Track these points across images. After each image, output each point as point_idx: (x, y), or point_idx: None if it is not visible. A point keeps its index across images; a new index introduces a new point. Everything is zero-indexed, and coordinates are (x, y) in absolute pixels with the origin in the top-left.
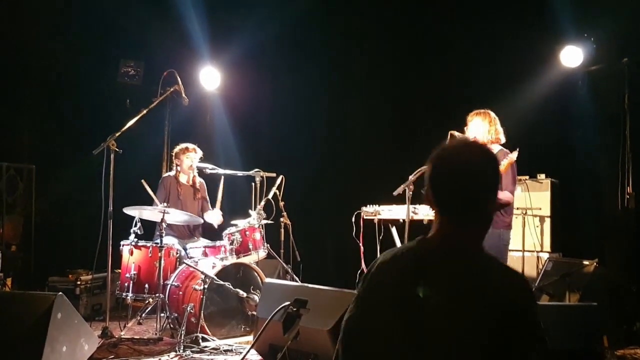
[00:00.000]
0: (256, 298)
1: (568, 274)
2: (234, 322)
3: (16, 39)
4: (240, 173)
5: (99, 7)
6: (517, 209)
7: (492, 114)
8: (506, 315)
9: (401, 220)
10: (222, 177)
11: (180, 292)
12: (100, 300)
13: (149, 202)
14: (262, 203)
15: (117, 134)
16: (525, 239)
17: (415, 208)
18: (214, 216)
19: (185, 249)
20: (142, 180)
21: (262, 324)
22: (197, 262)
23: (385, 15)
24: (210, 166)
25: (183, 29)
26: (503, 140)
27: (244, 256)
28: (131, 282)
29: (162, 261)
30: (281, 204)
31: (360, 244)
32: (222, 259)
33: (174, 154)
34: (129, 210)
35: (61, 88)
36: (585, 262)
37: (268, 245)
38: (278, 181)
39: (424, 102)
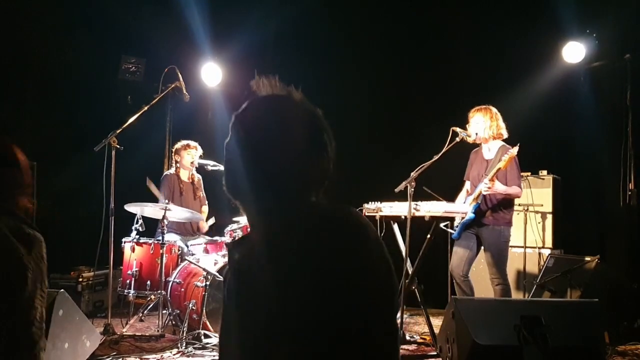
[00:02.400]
0: None
1: (570, 270)
2: None
3: (17, 35)
4: None
5: (99, 4)
6: (519, 205)
7: (494, 109)
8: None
9: (403, 217)
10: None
11: (182, 289)
12: (102, 297)
13: (154, 200)
14: None
15: (119, 131)
16: (527, 235)
17: (417, 205)
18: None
19: (187, 246)
20: (148, 181)
21: None
22: (198, 259)
23: (387, 12)
24: (212, 163)
25: (184, 25)
26: (505, 135)
27: None
28: (133, 279)
29: (164, 258)
30: None
31: None
32: (223, 256)
33: (174, 150)
34: (130, 208)
35: (62, 85)
36: (587, 259)
37: None
38: None
39: (425, 98)
